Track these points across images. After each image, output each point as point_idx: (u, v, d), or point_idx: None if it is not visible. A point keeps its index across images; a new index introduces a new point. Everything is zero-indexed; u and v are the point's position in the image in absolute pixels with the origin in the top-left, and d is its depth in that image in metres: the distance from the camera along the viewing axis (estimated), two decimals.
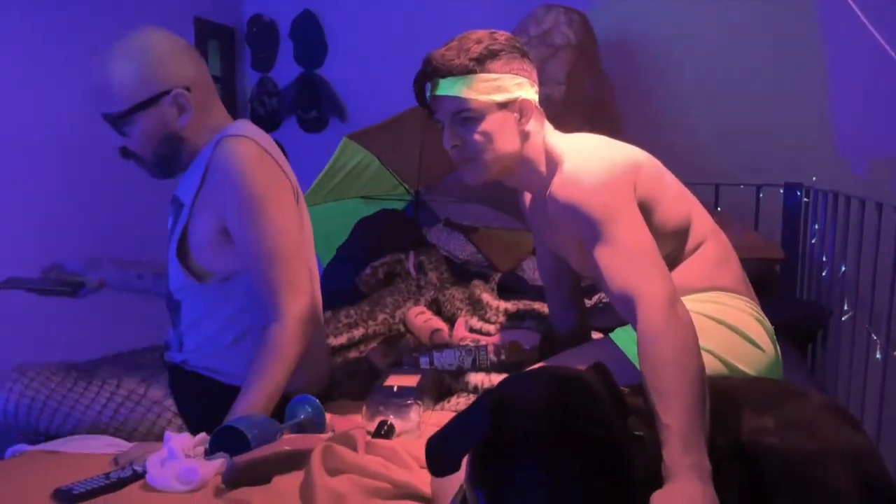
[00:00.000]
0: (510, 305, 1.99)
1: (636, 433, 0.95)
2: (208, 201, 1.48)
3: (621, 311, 1.26)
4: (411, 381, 1.54)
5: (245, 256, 1.47)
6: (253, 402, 1.38)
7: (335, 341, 1.93)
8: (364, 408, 1.49)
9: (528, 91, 1.44)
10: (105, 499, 1.19)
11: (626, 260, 1.25)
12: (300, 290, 1.46)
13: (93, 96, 1.44)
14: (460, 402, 1.60)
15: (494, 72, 1.40)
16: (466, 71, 1.39)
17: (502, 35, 1.44)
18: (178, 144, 1.50)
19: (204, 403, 1.47)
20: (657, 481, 0.98)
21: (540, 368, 1.10)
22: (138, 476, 1.26)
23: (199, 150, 1.52)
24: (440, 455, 0.92)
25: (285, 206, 1.49)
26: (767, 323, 1.46)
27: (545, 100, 2.53)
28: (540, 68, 2.53)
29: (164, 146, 1.49)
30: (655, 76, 2.93)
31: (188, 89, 1.46)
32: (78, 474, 1.24)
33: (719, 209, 2.69)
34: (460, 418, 0.93)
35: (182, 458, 1.25)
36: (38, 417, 1.40)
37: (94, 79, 1.44)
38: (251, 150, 1.47)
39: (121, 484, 1.23)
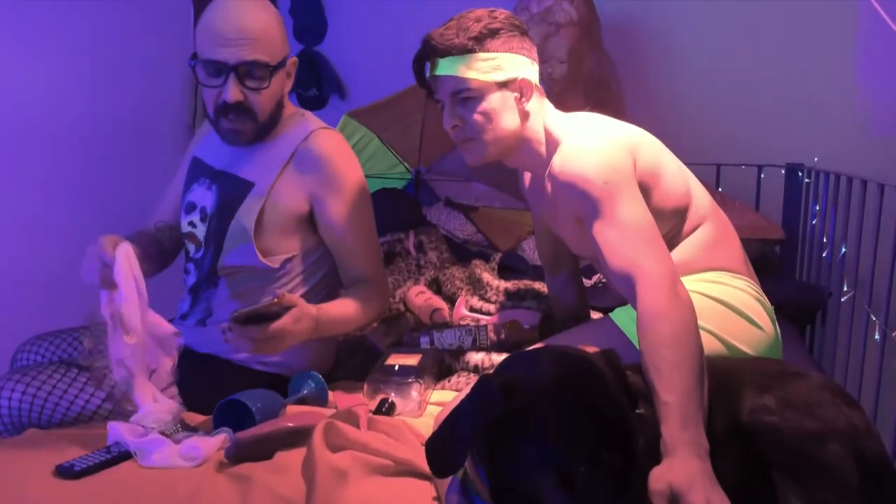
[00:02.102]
0: (510, 285, 1.99)
1: (638, 411, 0.96)
2: (297, 185, 1.54)
3: (621, 290, 1.27)
4: (412, 360, 1.55)
5: (342, 237, 1.57)
6: (333, 311, 1.51)
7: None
8: (365, 386, 1.50)
9: (527, 70, 1.43)
10: (106, 473, 1.20)
11: (626, 238, 1.25)
12: (381, 268, 1.68)
13: (248, 43, 1.45)
14: (460, 381, 1.60)
15: (494, 51, 1.39)
16: (465, 50, 1.38)
17: (501, 13, 1.43)
18: (279, 112, 1.57)
19: (213, 387, 1.45)
20: (657, 458, 0.99)
21: (542, 348, 1.10)
22: None
23: (277, 130, 1.58)
24: (446, 445, 0.92)
25: (369, 194, 1.65)
26: (767, 303, 1.46)
27: (547, 78, 2.52)
28: (541, 46, 2.53)
29: (276, 110, 1.55)
30: (657, 55, 2.90)
31: (295, 61, 1.61)
32: (79, 450, 1.25)
33: (720, 189, 2.69)
34: (464, 406, 0.93)
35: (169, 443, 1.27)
36: (40, 413, 1.40)
37: (254, 26, 1.45)
38: (345, 143, 1.62)
39: (122, 458, 1.24)
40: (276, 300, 1.35)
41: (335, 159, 1.56)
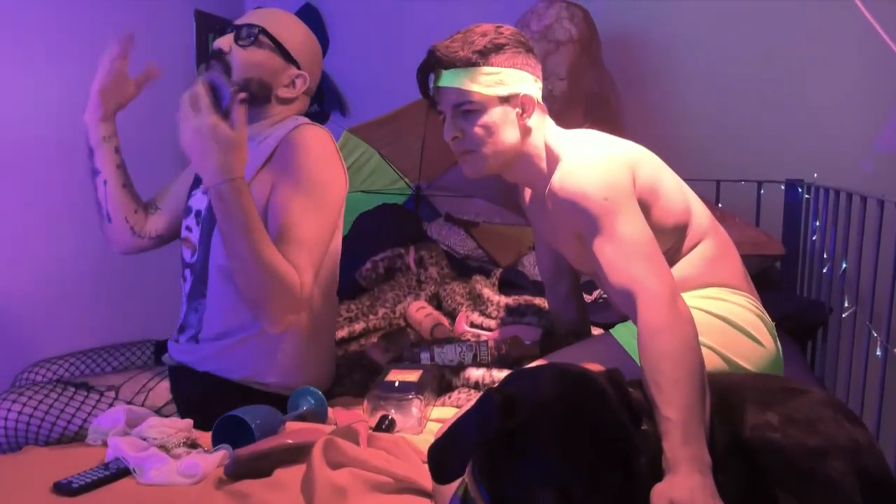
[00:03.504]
0: (511, 300, 1.99)
1: (642, 428, 0.95)
2: (267, 177, 1.52)
3: (621, 306, 1.27)
4: (412, 375, 1.55)
5: (281, 223, 1.46)
6: (252, 207, 1.40)
7: (336, 335, 1.93)
8: (365, 402, 1.50)
9: (530, 86, 1.44)
10: (104, 490, 1.19)
11: (627, 255, 1.25)
12: (310, 275, 1.48)
13: (272, 19, 1.59)
14: (461, 397, 1.60)
15: (498, 66, 1.40)
16: (469, 63, 1.39)
17: (508, 29, 1.44)
18: (263, 96, 1.58)
19: (211, 404, 1.45)
20: (659, 475, 0.98)
21: (544, 365, 1.10)
22: None
23: (266, 129, 1.60)
24: (446, 455, 0.92)
25: (337, 201, 1.57)
26: (768, 319, 1.46)
27: (547, 94, 2.53)
28: (541, 63, 2.54)
29: (254, 85, 1.56)
30: (657, 72, 2.92)
31: (306, 80, 1.63)
32: (77, 466, 1.25)
33: (720, 205, 2.69)
34: (465, 419, 0.93)
35: (167, 458, 1.26)
36: (38, 431, 1.40)
37: (280, 15, 1.62)
38: (329, 140, 1.57)
39: (120, 474, 1.23)
40: (240, 93, 1.36)
41: (303, 148, 1.51)
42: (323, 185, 1.52)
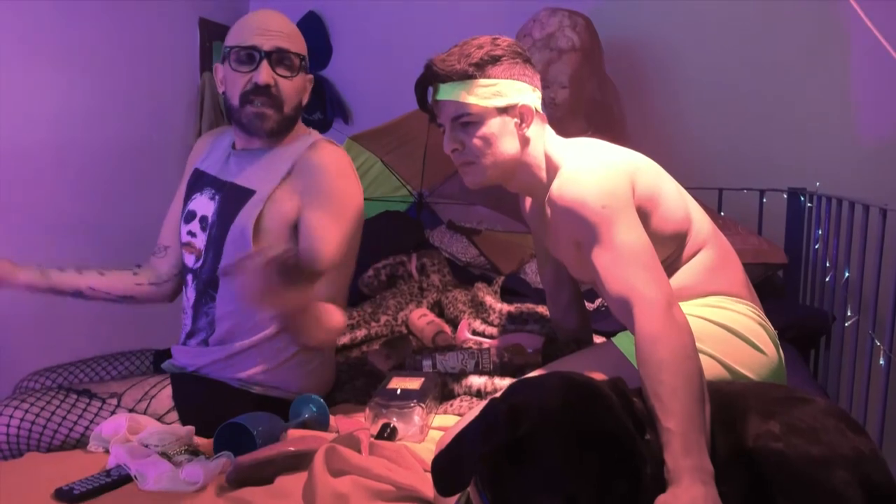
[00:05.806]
0: (513, 308, 1.99)
1: (646, 437, 0.95)
2: (293, 191, 1.55)
3: (619, 315, 1.27)
4: (414, 383, 1.55)
5: (310, 242, 1.52)
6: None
7: (338, 341, 1.93)
8: (367, 410, 1.49)
9: (528, 97, 1.44)
10: (106, 497, 1.19)
11: (624, 263, 1.25)
12: (344, 296, 1.61)
13: (281, 35, 1.58)
14: (463, 405, 1.60)
15: (495, 77, 1.41)
16: (466, 76, 1.40)
17: (504, 41, 1.45)
18: (296, 116, 1.62)
19: (213, 410, 1.45)
20: (663, 485, 0.98)
21: (549, 374, 1.10)
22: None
23: (286, 143, 1.62)
24: (451, 467, 0.92)
25: (360, 218, 1.61)
26: (770, 327, 1.46)
27: (549, 102, 2.53)
28: (544, 71, 2.55)
29: (294, 111, 1.61)
30: (659, 80, 2.93)
31: (312, 80, 1.68)
32: (78, 473, 1.25)
33: (722, 213, 2.69)
34: (470, 430, 0.93)
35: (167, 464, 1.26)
36: (40, 438, 1.40)
37: (287, 25, 1.61)
38: (345, 158, 1.63)
39: (122, 481, 1.23)
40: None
41: (328, 169, 1.56)
42: (346, 204, 1.57)
